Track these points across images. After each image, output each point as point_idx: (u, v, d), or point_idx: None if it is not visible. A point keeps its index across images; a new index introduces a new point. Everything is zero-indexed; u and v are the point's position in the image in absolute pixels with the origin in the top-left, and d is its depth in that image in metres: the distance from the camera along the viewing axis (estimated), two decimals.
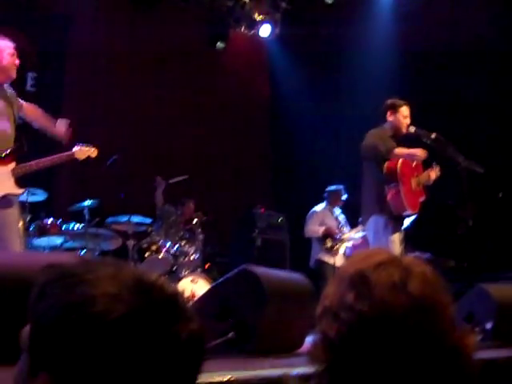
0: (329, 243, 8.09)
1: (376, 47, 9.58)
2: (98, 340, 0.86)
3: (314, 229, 8.19)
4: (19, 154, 4.71)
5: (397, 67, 9.19)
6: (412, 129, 5.42)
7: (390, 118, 5.63)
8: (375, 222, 5.38)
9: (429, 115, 8.32)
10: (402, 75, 9.04)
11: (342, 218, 8.32)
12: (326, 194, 8.37)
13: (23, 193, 4.83)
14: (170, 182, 7.77)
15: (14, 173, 4.63)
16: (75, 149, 5.03)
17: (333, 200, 8.32)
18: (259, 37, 10.46)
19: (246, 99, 10.45)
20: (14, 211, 4.64)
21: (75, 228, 6.58)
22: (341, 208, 8.38)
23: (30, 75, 6.22)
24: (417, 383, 1.06)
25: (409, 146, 5.53)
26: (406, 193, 5.36)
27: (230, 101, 10.19)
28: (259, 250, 8.55)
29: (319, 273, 7.75)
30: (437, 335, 1.08)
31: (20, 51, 4.87)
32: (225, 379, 2.20)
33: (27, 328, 0.93)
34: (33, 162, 4.75)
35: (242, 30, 10.41)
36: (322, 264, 8.03)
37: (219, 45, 10.18)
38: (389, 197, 5.35)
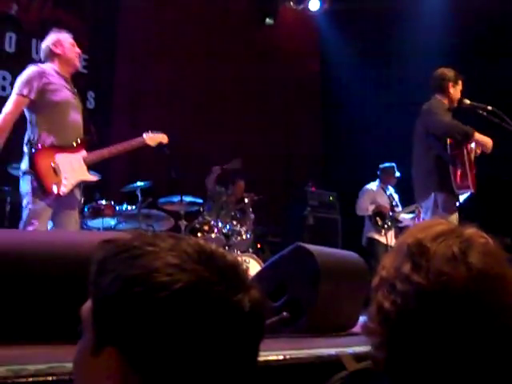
0: (380, 221, 8.02)
1: (427, 19, 9.39)
2: (163, 311, 0.86)
3: (365, 206, 8.14)
4: (89, 143, 4.86)
5: (448, 38, 8.98)
6: (467, 101, 5.32)
7: (451, 89, 5.50)
8: (437, 199, 5.31)
9: (481, 89, 8.13)
10: (454, 46, 8.84)
11: (395, 196, 8.22)
12: (378, 172, 8.28)
13: (97, 180, 4.98)
14: (225, 167, 7.75)
15: (86, 161, 4.77)
16: (146, 135, 5.13)
17: (385, 178, 8.22)
18: (308, 11, 10.37)
19: (296, 75, 10.38)
20: (76, 198, 4.78)
21: (128, 209, 6.65)
22: (394, 187, 8.28)
23: (82, 57, 6.32)
24: (475, 357, 1.02)
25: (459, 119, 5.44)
26: (469, 172, 5.31)
27: (279, 77, 10.13)
28: (311, 229, 8.53)
29: (371, 251, 7.70)
30: (498, 309, 1.03)
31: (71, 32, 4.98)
32: (280, 358, 2.19)
33: (88, 304, 0.93)
34: (105, 150, 4.88)
35: (292, 4, 10.33)
36: (373, 242, 7.99)
37: (268, 20, 10.14)
38: (455, 177, 5.30)
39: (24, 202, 4.55)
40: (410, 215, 7.71)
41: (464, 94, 5.57)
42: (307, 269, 3.20)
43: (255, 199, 7.78)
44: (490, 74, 8.99)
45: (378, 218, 8.04)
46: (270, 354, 2.21)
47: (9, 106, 4.54)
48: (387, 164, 8.22)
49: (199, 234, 7.03)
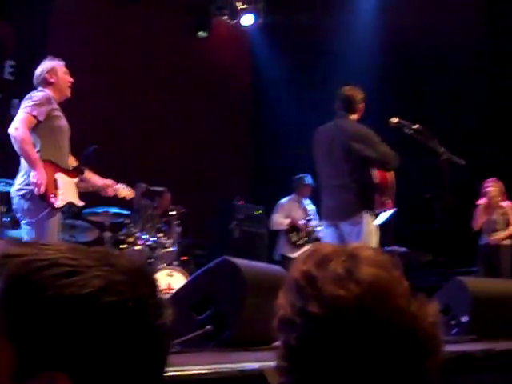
0: (294, 237, 8.00)
1: (358, 36, 9.62)
2: (92, 326, 0.84)
3: (279, 221, 8.13)
4: (80, 171, 5.25)
5: (378, 55, 9.23)
6: (394, 120, 5.40)
7: (360, 111, 5.60)
8: (364, 218, 5.38)
9: (409, 105, 8.38)
10: (384, 62, 9.08)
11: (311, 208, 8.18)
12: (291, 184, 8.25)
13: (82, 206, 5.39)
14: (151, 189, 7.65)
15: (77, 186, 5.15)
16: (119, 186, 5.53)
17: (299, 190, 8.18)
18: (242, 26, 10.43)
19: (228, 88, 10.42)
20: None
21: None
22: (311, 199, 8.26)
23: (9, 63, 6.20)
24: (380, 368, 1.03)
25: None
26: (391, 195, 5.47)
27: (212, 90, 10.15)
28: (237, 242, 8.53)
29: (284, 268, 7.64)
30: (395, 316, 1.04)
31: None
32: (203, 372, 2.17)
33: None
34: (89, 185, 5.34)
35: (225, 18, 10.37)
36: (285, 259, 7.92)
37: (201, 34, 10.15)
38: (376, 200, 5.42)
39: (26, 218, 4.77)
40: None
41: (391, 110, 5.68)
42: (233, 282, 3.19)
43: (182, 212, 7.73)
44: (419, 90, 9.28)
45: (293, 234, 8.03)
46: (193, 368, 2.18)
47: (20, 124, 4.68)
48: (299, 175, 8.18)
49: (123, 246, 6.92)
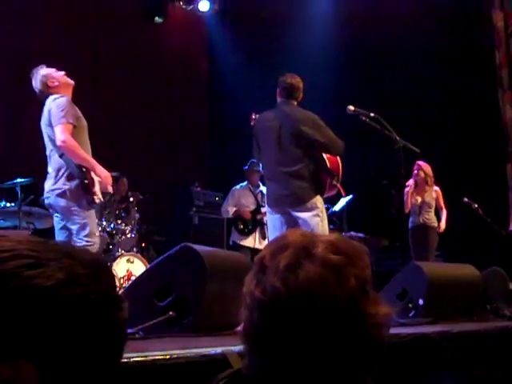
0: (240, 225, 8.03)
1: (313, 23, 9.68)
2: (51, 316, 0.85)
3: (227, 209, 8.13)
4: None
5: (334, 41, 9.30)
6: (351, 107, 5.43)
7: (299, 99, 5.58)
8: (318, 203, 5.37)
9: (366, 93, 8.48)
10: (342, 46, 9.16)
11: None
12: (244, 171, 8.24)
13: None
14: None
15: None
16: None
17: (249, 176, 8.17)
18: (198, 11, 10.38)
19: (184, 74, 10.38)
20: None
21: (7, 206, 6.40)
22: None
23: None
24: (325, 354, 1.11)
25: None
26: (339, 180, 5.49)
27: (167, 75, 10.09)
28: (196, 229, 8.53)
29: None
30: (320, 314, 1.11)
31: None
32: (166, 357, 2.19)
33: None
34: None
35: (181, 4, 10.31)
36: (236, 246, 7.99)
37: (157, 19, 10.07)
38: (326, 185, 5.42)
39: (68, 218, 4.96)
40: None
41: (348, 97, 5.72)
42: (194, 269, 3.21)
43: (140, 198, 7.69)
44: (374, 78, 9.39)
45: (238, 222, 8.05)
46: (156, 354, 2.20)
47: (64, 135, 4.83)
48: (251, 161, 8.13)
49: None
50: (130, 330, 2.82)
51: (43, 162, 7.27)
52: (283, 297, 1.11)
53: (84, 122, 5.15)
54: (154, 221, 8.66)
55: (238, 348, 2.38)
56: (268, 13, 9.76)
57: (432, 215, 8.05)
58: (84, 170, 4.93)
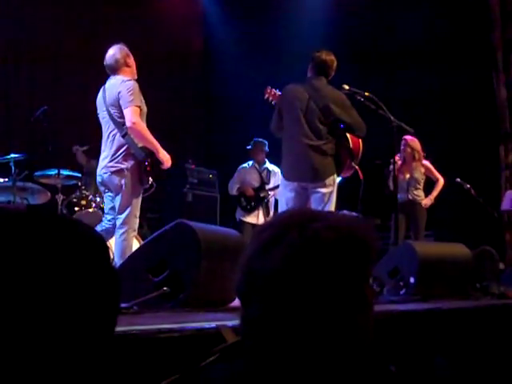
0: (243, 202, 8.15)
1: (310, 2, 9.67)
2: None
3: (232, 186, 8.25)
4: None
5: (331, 21, 9.29)
6: (346, 86, 5.43)
7: (330, 77, 5.54)
8: (334, 181, 5.40)
9: (362, 72, 8.49)
10: (336, 28, 9.15)
11: (275, 170, 8.15)
12: (249, 149, 8.31)
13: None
14: (82, 149, 7.58)
15: None
16: None
17: (254, 155, 8.24)
18: None
19: (180, 51, 10.31)
20: None
21: (1, 181, 6.41)
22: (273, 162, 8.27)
23: None
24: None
25: None
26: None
27: (163, 52, 10.02)
28: (189, 206, 8.56)
29: (239, 231, 7.64)
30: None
31: None
32: (161, 331, 2.22)
33: None
34: None
35: None
36: (241, 223, 8.14)
37: None
38: (345, 165, 5.45)
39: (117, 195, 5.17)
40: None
41: (345, 77, 5.68)
42: (188, 245, 3.24)
43: None
44: (372, 57, 9.38)
45: (242, 199, 8.17)
46: (150, 328, 2.24)
47: (134, 117, 5.08)
48: (255, 139, 8.20)
49: (76, 209, 6.88)
50: (124, 305, 2.85)
51: (36, 137, 7.31)
52: (264, 277, 1.13)
53: (145, 108, 5.36)
54: (148, 198, 8.65)
55: (232, 323, 2.42)
56: None
57: (421, 192, 7.86)
58: (147, 151, 5.21)
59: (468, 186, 8.12)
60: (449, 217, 8.67)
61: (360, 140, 5.49)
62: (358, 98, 5.34)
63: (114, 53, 5.40)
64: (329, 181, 5.34)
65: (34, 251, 0.88)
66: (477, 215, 8.35)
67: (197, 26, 10.96)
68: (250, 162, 8.32)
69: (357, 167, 5.49)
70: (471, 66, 8.79)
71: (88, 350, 0.93)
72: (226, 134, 9.75)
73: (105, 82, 5.43)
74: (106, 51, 7.43)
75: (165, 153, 5.36)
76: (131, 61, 5.50)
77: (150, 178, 5.30)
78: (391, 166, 7.37)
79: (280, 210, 5.77)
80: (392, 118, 5.35)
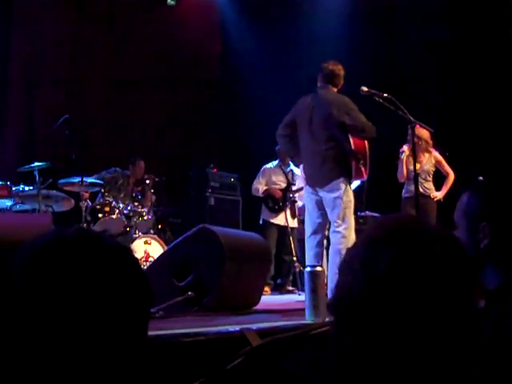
0: (270, 203, 8.14)
1: (327, 4, 9.68)
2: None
3: (257, 187, 8.22)
4: None
5: (350, 28, 9.29)
6: (365, 88, 5.47)
7: (339, 86, 5.69)
8: (342, 184, 5.46)
9: (381, 75, 8.48)
10: (355, 35, 9.14)
11: (298, 172, 8.17)
12: (276, 150, 8.29)
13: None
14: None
15: None
16: None
17: (282, 156, 8.22)
18: None
19: (198, 56, 10.37)
20: None
21: (26, 190, 6.49)
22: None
23: None
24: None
25: None
26: (367, 164, 5.61)
27: (181, 57, 10.09)
28: (212, 210, 8.59)
29: (264, 232, 7.60)
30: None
31: None
32: (187, 334, 2.26)
33: None
34: None
35: None
36: (266, 223, 8.10)
37: (170, 1, 10.08)
38: (352, 168, 5.52)
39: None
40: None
41: (364, 78, 5.75)
42: (212, 249, 3.28)
43: (156, 180, 7.76)
44: (384, 59, 9.37)
45: (268, 200, 8.17)
46: (176, 332, 2.28)
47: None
48: None
49: (100, 215, 6.96)
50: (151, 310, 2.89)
51: (59, 146, 7.40)
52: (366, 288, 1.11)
53: None
54: (170, 203, 8.73)
55: (256, 326, 2.46)
56: None
57: (431, 184, 7.53)
58: None
59: None
60: None
61: (365, 142, 5.57)
62: (377, 99, 5.34)
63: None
64: (333, 184, 5.45)
65: (66, 277, 0.96)
66: None
67: (214, 32, 11.00)
68: (275, 162, 8.30)
69: (362, 168, 5.54)
70: (490, 66, 8.75)
71: (123, 356, 0.99)
72: (247, 138, 9.78)
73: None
74: (125, 63, 7.54)
75: None
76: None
77: None
78: (401, 156, 7.25)
79: (305, 212, 5.89)
80: (412, 118, 5.34)
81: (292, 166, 8.25)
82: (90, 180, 6.99)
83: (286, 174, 8.21)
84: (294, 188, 8.10)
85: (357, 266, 1.15)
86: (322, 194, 5.53)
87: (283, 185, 8.15)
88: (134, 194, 7.63)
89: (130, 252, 1.06)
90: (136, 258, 1.07)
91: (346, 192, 5.46)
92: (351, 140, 5.51)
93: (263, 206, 8.23)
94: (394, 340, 1.09)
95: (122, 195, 7.51)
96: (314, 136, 5.55)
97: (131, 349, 0.99)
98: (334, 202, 5.43)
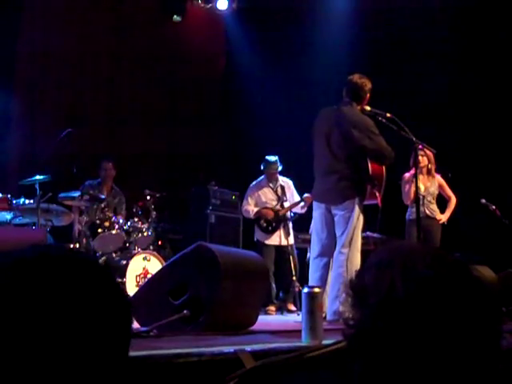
0: (263, 224, 7.95)
1: (333, 20, 9.69)
2: None
3: (247, 208, 8.03)
4: None
5: (354, 47, 9.29)
6: (368, 108, 5.44)
7: (365, 101, 5.54)
8: (356, 205, 5.39)
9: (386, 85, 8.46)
10: (359, 48, 9.15)
11: (288, 184, 8.01)
12: (262, 167, 8.05)
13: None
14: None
15: None
16: None
17: (268, 172, 7.99)
18: (216, 10, 10.43)
19: (202, 72, 10.39)
20: None
21: (26, 203, 6.46)
22: (289, 178, 8.15)
23: None
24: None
25: None
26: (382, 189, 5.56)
27: (185, 74, 10.11)
28: (212, 227, 8.54)
29: (259, 252, 7.42)
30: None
31: None
32: (180, 355, 2.22)
33: None
34: None
35: (199, 2, 10.36)
36: (259, 244, 7.91)
37: (175, 18, 10.12)
38: (367, 191, 5.45)
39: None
40: (301, 204, 7.76)
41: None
42: (209, 268, 3.24)
43: (157, 196, 7.73)
44: (396, 75, 9.36)
45: (261, 221, 7.97)
46: (169, 352, 2.23)
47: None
48: (267, 157, 8.01)
49: (100, 230, 6.91)
50: (144, 328, 2.85)
51: (61, 160, 7.39)
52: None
53: None
54: (170, 219, 8.70)
55: (251, 347, 2.40)
56: (287, 11, 9.77)
57: (436, 206, 7.58)
58: None
59: (493, 207, 8.00)
60: (474, 239, 8.54)
61: (383, 167, 5.48)
62: (380, 119, 5.32)
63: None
64: (347, 203, 5.37)
65: (45, 294, 0.94)
66: (503, 237, 8.22)
67: (219, 48, 11.04)
68: (261, 179, 8.11)
69: (377, 194, 5.46)
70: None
71: (103, 374, 0.96)
72: (250, 154, 9.75)
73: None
74: (131, 76, 7.56)
75: None
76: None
77: None
78: (406, 178, 7.25)
79: (312, 228, 5.80)
80: (414, 139, 5.32)
81: (282, 179, 8.07)
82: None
83: (274, 191, 8.04)
84: (285, 203, 7.93)
85: (370, 291, 1.09)
86: (335, 211, 5.44)
87: (274, 203, 7.98)
88: (134, 210, 7.58)
89: (104, 271, 1.02)
90: (111, 278, 1.04)
91: (359, 213, 5.40)
92: (369, 164, 5.42)
93: (256, 227, 8.05)
94: (410, 371, 1.03)
95: (122, 212, 7.47)
96: (331, 153, 5.44)
97: (109, 369, 0.96)
98: (346, 220, 5.36)
